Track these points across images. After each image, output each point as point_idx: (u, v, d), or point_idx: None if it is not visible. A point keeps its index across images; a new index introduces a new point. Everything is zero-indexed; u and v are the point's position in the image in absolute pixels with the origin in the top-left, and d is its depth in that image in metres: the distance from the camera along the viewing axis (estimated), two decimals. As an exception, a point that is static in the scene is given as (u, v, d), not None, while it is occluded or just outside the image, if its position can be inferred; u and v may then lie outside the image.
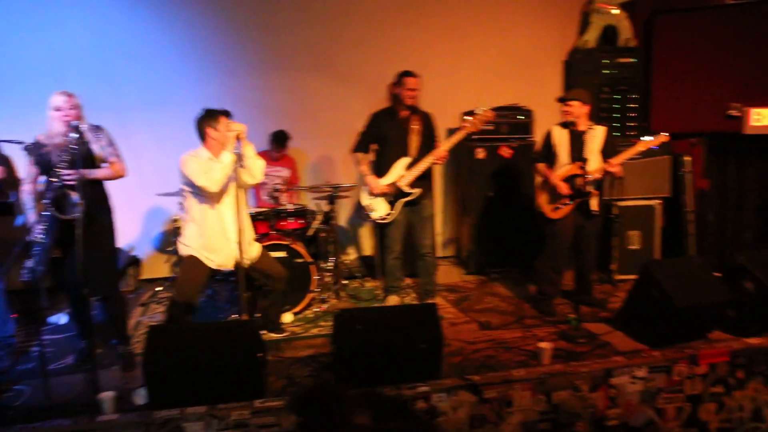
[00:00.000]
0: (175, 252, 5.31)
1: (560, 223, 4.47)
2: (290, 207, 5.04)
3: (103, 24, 5.66)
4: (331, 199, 4.94)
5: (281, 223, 4.95)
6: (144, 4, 5.72)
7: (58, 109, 3.67)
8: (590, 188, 4.33)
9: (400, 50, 6.10)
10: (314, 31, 6.01)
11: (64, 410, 3.30)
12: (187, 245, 4.02)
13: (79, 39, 5.62)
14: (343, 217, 5.58)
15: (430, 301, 4.77)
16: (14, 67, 5.53)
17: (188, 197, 3.99)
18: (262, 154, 5.60)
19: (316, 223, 4.98)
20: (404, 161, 4.61)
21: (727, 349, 3.53)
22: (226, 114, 4.06)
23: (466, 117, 4.57)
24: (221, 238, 3.99)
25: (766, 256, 4.09)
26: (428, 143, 4.64)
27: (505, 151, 5.69)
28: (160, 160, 5.61)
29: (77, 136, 3.57)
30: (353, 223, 6.23)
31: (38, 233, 3.63)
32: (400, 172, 4.63)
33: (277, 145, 5.54)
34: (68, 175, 3.54)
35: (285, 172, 5.65)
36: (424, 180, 4.66)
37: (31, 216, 3.80)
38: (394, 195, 4.64)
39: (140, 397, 3.32)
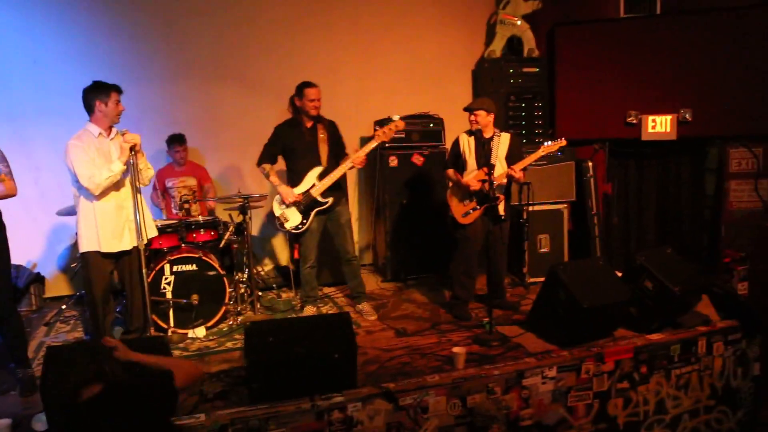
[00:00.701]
0: (79, 267, 5.10)
1: (470, 228, 4.57)
2: (201, 219, 4.93)
3: (-3, 28, 5.36)
4: (243, 210, 4.85)
5: (192, 236, 4.83)
6: (40, 8, 5.44)
7: None
8: (497, 193, 4.46)
9: (308, 58, 6.09)
10: (221, 38, 5.92)
11: (-47, 442, 3.08)
12: (85, 242, 3.93)
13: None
14: (256, 228, 5.49)
15: (360, 306, 4.88)
16: None
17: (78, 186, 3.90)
18: (166, 168, 5.48)
19: (228, 235, 4.87)
20: (316, 170, 4.60)
21: (631, 346, 3.70)
22: (117, 90, 3.96)
23: (377, 127, 4.61)
24: (119, 219, 3.95)
25: (664, 256, 4.30)
26: (336, 151, 4.68)
27: (418, 159, 5.77)
28: (61, 173, 5.35)
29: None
30: (267, 234, 6.14)
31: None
32: (312, 182, 4.61)
33: (177, 144, 5.42)
34: None
35: (190, 181, 5.52)
36: (336, 188, 4.67)
37: None
38: (306, 204, 4.61)
39: (40, 423, 3.13)
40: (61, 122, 5.43)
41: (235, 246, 4.98)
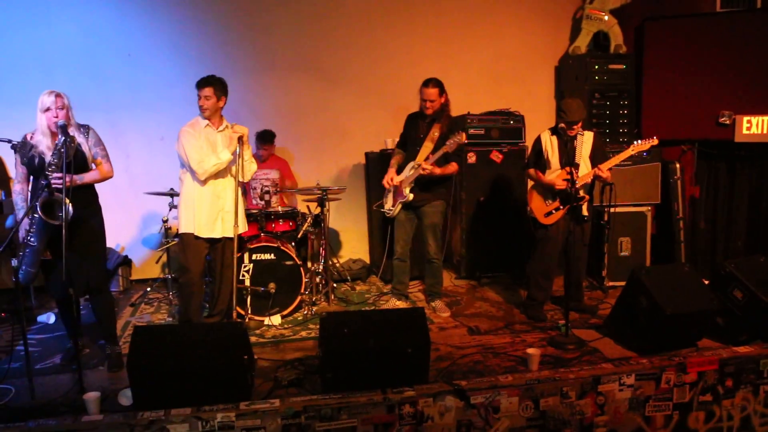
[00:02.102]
0: (166, 252, 5.32)
1: (552, 228, 4.47)
2: (280, 209, 5.04)
3: (93, 23, 5.65)
4: (321, 202, 4.93)
5: (271, 225, 4.94)
6: (133, 4, 5.70)
7: (47, 110, 3.63)
8: (582, 193, 4.34)
9: (388, 52, 6.12)
10: (304, 31, 6.02)
11: (48, 410, 3.27)
12: (183, 223, 4.18)
13: (68, 37, 5.61)
14: (334, 220, 5.58)
15: (433, 303, 4.87)
16: (2, 64, 5.51)
17: (184, 170, 4.18)
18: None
19: (306, 226, 4.96)
20: (411, 164, 4.64)
21: (715, 358, 3.54)
22: (197, 86, 4.19)
23: (450, 137, 4.52)
24: (214, 208, 4.18)
25: (756, 264, 4.09)
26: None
27: (496, 156, 5.70)
28: (150, 159, 5.62)
29: (66, 136, 3.54)
30: (344, 226, 6.21)
31: (29, 235, 3.61)
32: (406, 174, 4.65)
33: (263, 143, 5.56)
34: (57, 179, 3.51)
35: (273, 174, 5.63)
36: (428, 189, 4.63)
37: (20, 216, 3.78)
38: (398, 194, 4.69)
39: (125, 398, 3.29)
40: (151, 114, 5.73)
41: (312, 237, 5.06)
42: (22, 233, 3.63)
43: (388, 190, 4.78)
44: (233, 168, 4.18)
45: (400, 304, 4.84)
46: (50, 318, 4.87)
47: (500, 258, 5.73)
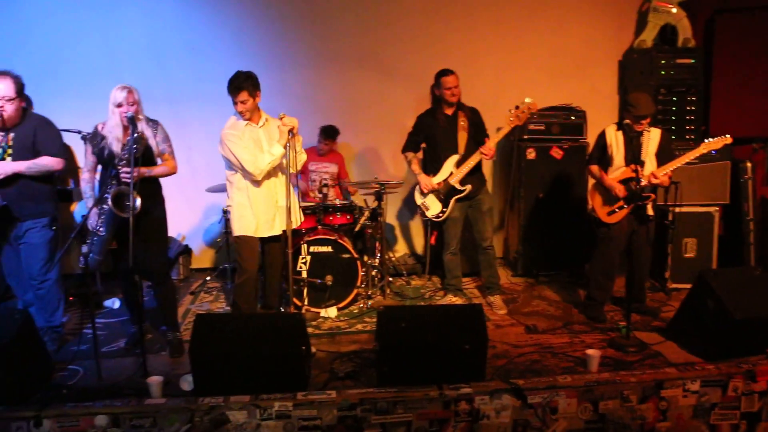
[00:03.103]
0: (224, 242, 5.42)
1: (615, 227, 4.34)
2: (337, 202, 5.07)
3: (158, 17, 5.78)
4: (379, 195, 4.94)
5: (328, 218, 4.98)
6: (197, -3, 5.82)
7: (118, 105, 3.74)
8: (647, 192, 4.21)
9: (447, 46, 6.05)
10: (363, 25, 6.01)
11: (113, 392, 3.39)
12: (238, 226, 4.16)
13: (135, 32, 5.76)
14: (390, 214, 5.57)
15: (491, 298, 4.82)
16: (72, 60, 5.70)
17: (232, 173, 4.15)
18: (310, 150, 5.67)
19: (363, 219, 4.98)
20: (453, 159, 4.60)
21: (788, 366, 3.39)
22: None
23: (511, 111, 4.50)
24: (269, 205, 4.16)
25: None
26: (477, 139, 4.62)
27: (557, 152, 5.58)
28: (212, 152, 5.69)
29: (135, 130, 3.65)
30: (401, 221, 6.21)
31: (97, 224, 3.73)
32: (450, 170, 4.61)
33: (326, 138, 5.59)
34: (126, 172, 3.62)
35: (332, 168, 5.69)
36: (475, 175, 4.64)
37: (89, 204, 3.92)
38: (445, 193, 4.64)
39: (186, 383, 3.37)
40: (213, 106, 5.76)
41: (369, 231, 5.08)
42: (92, 221, 3.76)
43: (425, 196, 4.72)
44: (283, 162, 4.10)
45: (456, 300, 4.81)
46: (115, 303, 5.04)
47: (558, 256, 5.62)
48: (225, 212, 5.35)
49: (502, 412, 3.21)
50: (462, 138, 4.58)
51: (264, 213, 4.15)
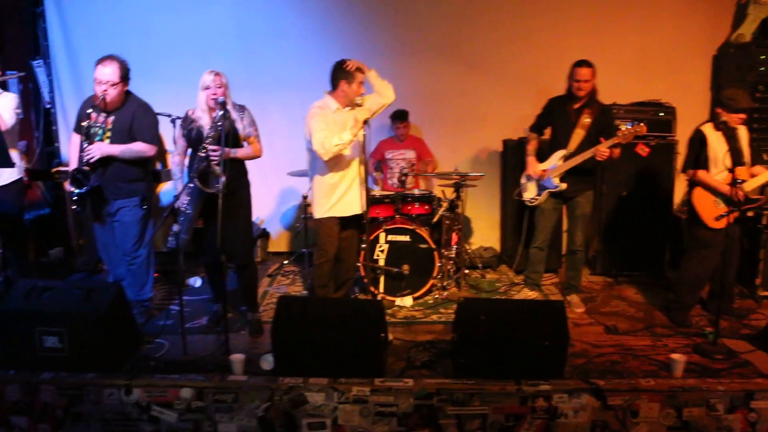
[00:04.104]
0: (302, 227, 5.52)
1: (719, 232, 4.08)
2: (416, 192, 5.07)
3: (243, 3, 5.91)
4: (458, 187, 4.91)
5: (407, 208, 4.99)
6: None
7: (206, 88, 3.86)
8: (756, 195, 3.99)
9: (532, 38, 5.92)
10: (447, 15, 5.95)
11: (197, 366, 3.54)
12: (320, 208, 4.21)
13: (221, 18, 5.90)
14: (468, 206, 5.52)
15: (569, 297, 4.73)
16: (161, 43, 5.90)
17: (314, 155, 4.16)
18: (387, 141, 5.69)
19: (441, 210, 4.97)
20: (561, 152, 4.49)
21: None
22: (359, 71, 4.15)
23: (621, 127, 4.30)
24: (351, 186, 4.19)
25: None
26: (595, 139, 4.39)
27: (643, 150, 5.39)
28: (292, 139, 5.79)
29: (223, 113, 3.75)
30: (478, 213, 6.15)
31: (184, 204, 3.87)
32: (554, 162, 4.52)
33: (400, 121, 5.61)
34: (214, 152, 3.73)
35: (409, 154, 5.69)
36: (578, 177, 4.48)
37: (178, 186, 4.07)
38: (544, 183, 4.58)
39: (267, 362, 3.46)
40: (295, 93, 5.89)
41: (447, 222, 5.05)
42: (182, 201, 3.90)
43: (529, 179, 4.67)
44: (357, 147, 4.12)
45: (533, 295, 4.74)
46: (197, 282, 5.22)
47: (639, 256, 5.43)
48: (304, 197, 5.45)
49: (580, 411, 3.15)
50: (577, 135, 4.42)
51: (344, 193, 4.20)
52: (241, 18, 5.92)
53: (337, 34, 5.94)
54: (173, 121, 5.09)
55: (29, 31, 6.00)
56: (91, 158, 3.89)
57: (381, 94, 4.20)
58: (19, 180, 4.35)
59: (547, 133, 4.75)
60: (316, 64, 5.81)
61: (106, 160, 3.98)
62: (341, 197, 4.19)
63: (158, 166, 5.79)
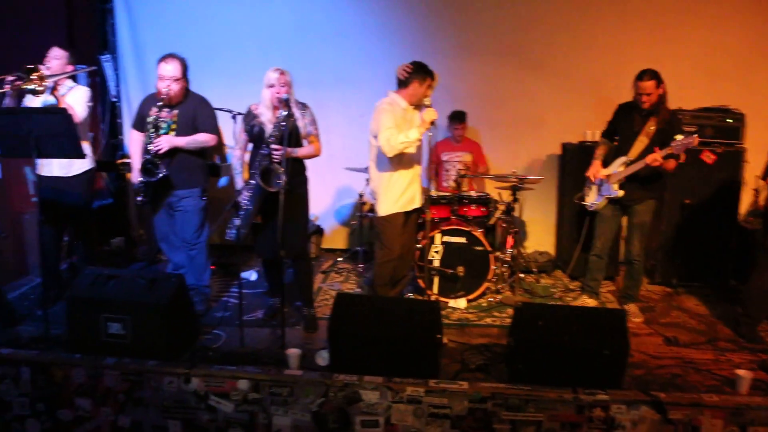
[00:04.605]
0: (358, 226, 5.55)
1: None
2: (473, 194, 5.04)
3: (305, 2, 5.96)
4: (515, 190, 4.86)
5: (462, 209, 4.96)
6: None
7: (271, 85, 3.92)
8: None
9: (595, 41, 5.79)
10: (507, 16, 5.88)
11: (253, 358, 3.59)
12: (386, 205, 4.19)
13: (282, 15, 5.97)
14: (525, 209, 5.45)
15: (626, 306, 4.62)
16: (223, 40, 6.01)
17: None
18: (444, 141, 5.66)
19: (498, 213, 4.92)
20: (622, 159, 4.42)
21: None
22: (433, 78, 4.16)
23: (676, 137, 4.18)
24: (412, 178, 4.20)
25: None
26: (660, 148, 4.26)
27: (708, 157, 5.22)
28: (348, 137, 5.84)
29: (286, 111, 3.80)
30: (533, 217, 6.06)
31: (244, 199, 3.94)
32: (615, 168, 4.45)
33: (458, 122, 5.57)
34: (277, 150, 3.78)
35: (466, 156, 5.65)
36: (643, 185, 4.39)
37: (238, 180, 4.15)
38: (601, 187, 4.53)
39: (322, 358, 3.49)
40: (353, 90, 5.95)
41: (503, 225, 5.00)
42: (243, 197, 3.97)
43: (591, 183, 4.60)
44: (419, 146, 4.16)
45: (591, 302, 4.64)
46: (252, 275, 5.30)
47: (701, 267, 5.27)
48: (361, 195, 5.47)
49: (639, 424, 3.07)
50: (640, 143, 4.33)
51: (408, 188, 4.20)
52: (301, 14, 5.97)
53: (397, 33, 5.94)
54: (234, 117, 5.18)
55: (99, 26, 6.21)
56: (160, 150, 4.03)
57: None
58: (90, 170, 4.51)
59: None
60: (375, 62, 5.88)
61: (173, 152, 4.12)
62: (404, 192, 4.18)
63: (216, 160, 5.91)
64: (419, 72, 4.09)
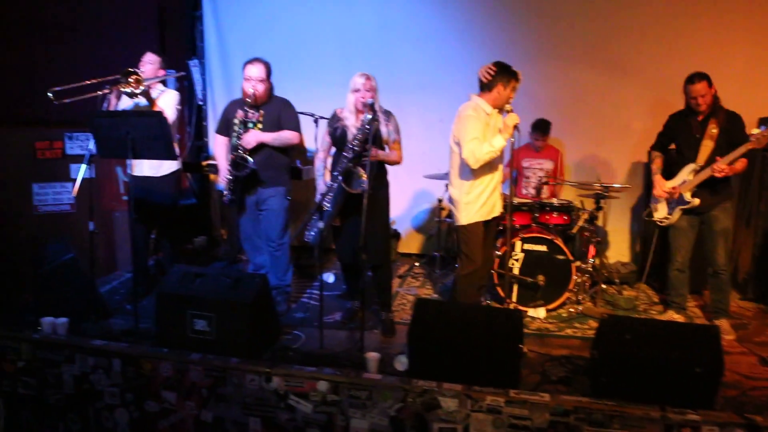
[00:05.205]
0: (436, 231, 5.52)
1: None
2: (555, 201, 4.92)
3: (387, 6, 6.00)
4: (598, 198, 4.71)
5: (544, 217, 4.86)
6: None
7: (356, 90, 3.96)
8: None
9: (686, 46, 5.53)
10: (592, 21, 5.73)
11: (331, 360, 3.62)
12: (469, 215, 4.07)
13: (364, 19, 6.04)
14: (608, 219, 5.27)
15: (717, 322, 4.36)
16: (303, 42, 6.13)
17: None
18: (525, 147, 5.56)
19: (581, 222, 4.79)
20: (690, 167, 4.25)
21: None
22: (518, 79, 4.03)
23: (753, 131, 4.00)
24: (495, 186, 4.10)
25: None
26: (727, 149, 4.13)
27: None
28: (427, 142, 5.82)
29: (371, 116, 3.82)
30: (617, 227, 5.87)
31: (325, 201, 3.99)
32: (684, 178, 4.28)
33: (540, 133, 5.45)
34: (359, 151, 3.81)
35: (547, 164, 5.52)
36: (713, 189, 4.22)
37: (320, 183, 4.21)
38: (675, 200, 4.33)
39: (400, 363, 3.48)
40: (434, 96, 5.94)
41: (585, 234, 4.87)
42: (326, 199, 4.02)
43: (658, 198, 4.43)
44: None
45: (678, 318, 4.45)
46: (330, 278, 5.36)
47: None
48: (440, 201, 5.45)
49: (732, 447, 2.91)
50: (706, 147, 4.18)
51: (488, 198, 4.08)
52: (384, 18, 6.03)
53: (478, 37, 5.90)
54: (316, 121, 5.27)
55: (188, 32, 6.46)
56: (248, 144, 4.17)
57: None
58: (177, 171, 4.69)
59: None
60: (455, 67, 5.86)
61: (259, 148, 4.23)
62: (486, 200, 4.07)
63: (297, 163, 6.02)
64: (503, 73, 3.94)
